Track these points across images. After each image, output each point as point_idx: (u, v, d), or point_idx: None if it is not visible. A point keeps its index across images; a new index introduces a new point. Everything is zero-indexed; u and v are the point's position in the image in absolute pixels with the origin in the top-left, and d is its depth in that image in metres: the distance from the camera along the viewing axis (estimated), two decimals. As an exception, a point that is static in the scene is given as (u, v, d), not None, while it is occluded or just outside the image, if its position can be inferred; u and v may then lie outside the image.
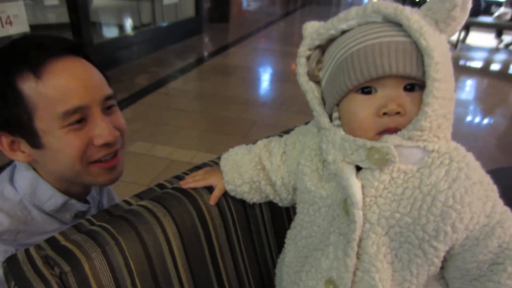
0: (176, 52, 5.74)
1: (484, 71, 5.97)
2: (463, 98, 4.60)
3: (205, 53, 6.05)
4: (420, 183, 0.55)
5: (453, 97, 0.56)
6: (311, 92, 0.65)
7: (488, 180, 0.58)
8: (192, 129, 3.39)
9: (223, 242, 0.78)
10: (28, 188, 0.72)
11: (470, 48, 7.07)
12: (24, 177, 0.73)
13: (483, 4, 7.13)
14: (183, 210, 0.72)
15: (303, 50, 0.65)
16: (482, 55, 6.81)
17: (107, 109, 0.73)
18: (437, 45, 0.52)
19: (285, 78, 5.01)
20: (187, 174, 0.85)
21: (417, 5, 0.57)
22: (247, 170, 0.75)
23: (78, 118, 0.67)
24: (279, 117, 3.65)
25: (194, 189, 0.77)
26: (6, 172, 0.76)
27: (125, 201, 0.76)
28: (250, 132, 3.31)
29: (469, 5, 0.54)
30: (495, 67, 6.30)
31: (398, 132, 0.55)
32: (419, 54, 0.53)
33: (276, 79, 5.05)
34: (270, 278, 0.87)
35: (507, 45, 7.13)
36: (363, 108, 0.56)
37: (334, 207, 0.63)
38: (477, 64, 6.34)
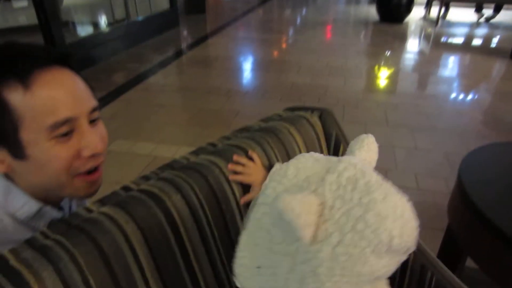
0: (153, 46, 5.60)
1: (466, 47, 5.97)
2: (446, 75, 4.60)
3: (183, 46, 5.91)
4: None
5: None
6: None
7: None
8: (174, 123, 3.30)
9: (197, 244, 0.71)
10: None
11: (451, 24, 7.07)
12: None
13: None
14: (149, 215, 0.65)
15: None
16: (463, 30, 6.82)
17: (92, 121, 0.70)
18: None
19: (266, 66, 4.93)
20: (155, 173, 0.79)
21: None
22: None
23: (66, 130, 0.64)
24: (262, 106, 3.59)
25: (161, 189, 0.70)
26: None
27: (86, 208, 0.69)
28: (233, 122, 3.24)
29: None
30: (477, 42, 6.30)
31: None
32: None
33: (257, 67, 4.96)
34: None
35: (487, 19, 7.14)
36: None
37: None
38: (459, 40, 6.35)
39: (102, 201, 0.70)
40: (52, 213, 0.75)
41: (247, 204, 0.81)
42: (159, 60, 4.96)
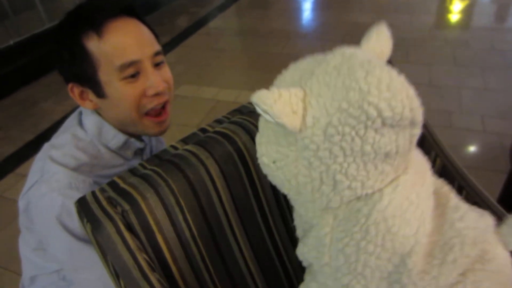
0: (212, -12, 5.57)
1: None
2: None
3: (242, -14, 5.81)
4: None
5: None
6: None
7: None
8: (235, 68, 3.40)
9: (263, 178, 0.84)
10: (95, 129, 0.85)
11: None
12: (91, 120, 0.85)
13: None
14: (224, 152, 0.78)
15: None
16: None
17: (156, 64, 0.82)
18: None
19: (326, 4, 4.74)
20: (227, 117, 0.90)
21: None
22: None
23: (133, 71, 0.77)
24: (322, 48, 3.48)
25: (233, 131, 0.82)
26: (74, 118, 0.89)
27: (172, 146, 0.84)
28: (293, 66, 3.26)
29: None
30: None
31: None
32: None
33: (317, 6, 4.79)
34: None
35: None
36: None
37: None
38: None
39: (185, 141, 0.84)
40: (136, 144, 0.91)
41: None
42: (218, 3, 4.96)
